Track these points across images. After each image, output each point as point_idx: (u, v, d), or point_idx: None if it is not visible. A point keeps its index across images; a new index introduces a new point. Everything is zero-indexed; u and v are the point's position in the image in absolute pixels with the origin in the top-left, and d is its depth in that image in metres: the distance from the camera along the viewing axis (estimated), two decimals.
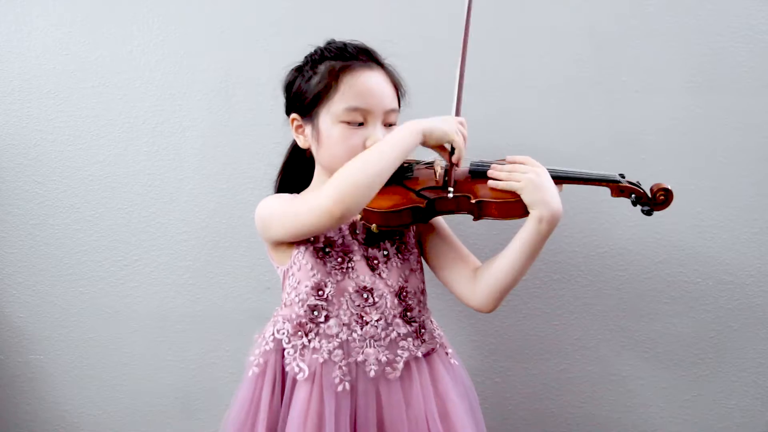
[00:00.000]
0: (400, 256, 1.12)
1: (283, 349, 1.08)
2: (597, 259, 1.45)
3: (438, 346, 1.14)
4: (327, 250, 1.08)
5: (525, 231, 1.03)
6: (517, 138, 1.42)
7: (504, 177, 1.04)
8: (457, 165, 1.04)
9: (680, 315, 1.46)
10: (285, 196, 1.13)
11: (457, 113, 1.08)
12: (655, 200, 1.07)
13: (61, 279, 1.52)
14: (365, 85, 1.06)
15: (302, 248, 1.08)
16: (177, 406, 1.54)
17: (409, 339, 1.09)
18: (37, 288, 1.53)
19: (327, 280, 1.07)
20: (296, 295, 1.09)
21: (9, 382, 1.56)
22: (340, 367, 1.05)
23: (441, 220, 1.19)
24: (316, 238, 1.08)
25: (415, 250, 1.16)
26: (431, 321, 1.16)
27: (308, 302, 1.07)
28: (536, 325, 1.49)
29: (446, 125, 1.03)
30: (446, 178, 1.05)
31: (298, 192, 1.17)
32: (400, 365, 1.07)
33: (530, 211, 1.02)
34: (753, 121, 1.40)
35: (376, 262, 1.10)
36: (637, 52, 1.41)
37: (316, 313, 1.07)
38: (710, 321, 1.46)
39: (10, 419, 1.56)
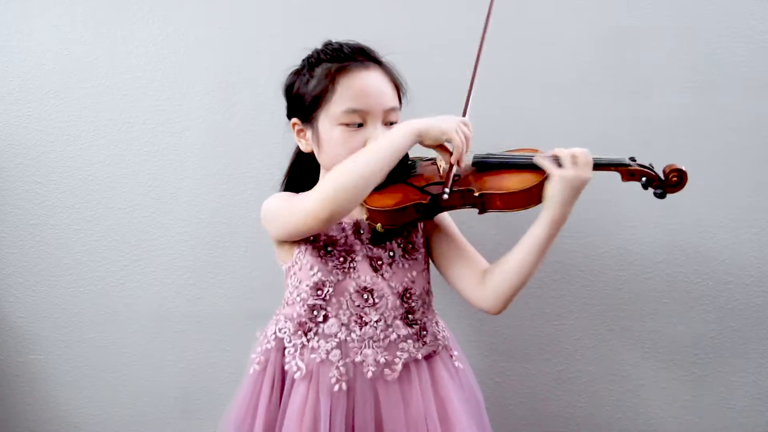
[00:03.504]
0: (406, 257, 1.11)
1: (284, 348, 1.09)
2: (597, 259, 1.45)
3: (441, 348, 1.14)
4: (329, 249, 1.08)
5: (534, 232, 1.03)
6: (517, 137, 1.41)
7: (559, 153, 1.00)
8: (457, 165, 1.02)
9: (680, 315, 1.46)
10: (285, 195, 1.12)
11: (464, 114, 1.06)
12: (668, 181, 1.02)
13: (61, 279, 1.52)
14: (362, 86, 1.05)
15: (303, 247, 1.08)
16: (177, 407, 1.54)
17: (410, 341, 1.08)
18: (37, 288, 1.53)
19: (327, 279, 1.06)
20: (297, 295, 1.09)
21: (9, 382, 1.56)
22: (338, 368, 1.05)
23: (448, 221, 1.18)
24: (317, 237, 1.08)
25: (423, 250, 1.15)
26: (436, 323, 1.15)
27: (308, 302, 1.07)
28: (536, 325, 1.48)
29: (444, 124, 1.00)
30: (444, 180, 1.03)
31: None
32: (399, 367, 1.06)
33: (546, 206, 1.00)
34: (753, 121, 1.40)
35: (380, 262, 1.09)
36: (637, 52, 1.41)
37: (315, 312, 1.07)
38: (710, 321, 1.46)
39: (10, 419, 1.56)
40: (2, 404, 1.56)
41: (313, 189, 1.16)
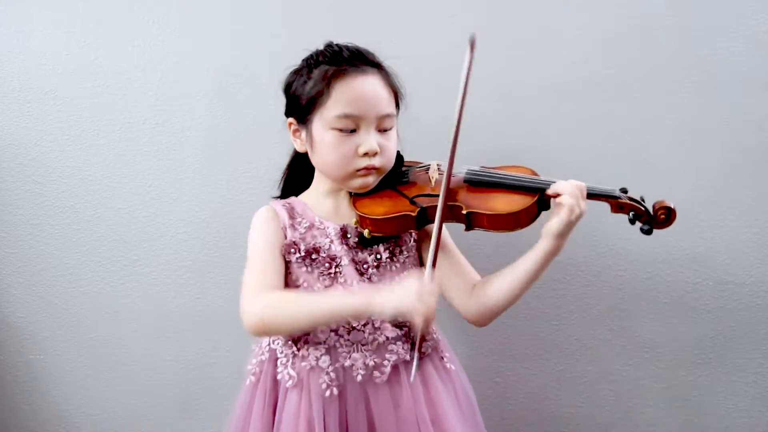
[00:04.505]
0: (394, 259, 1.11)
1: (277, 359, 1.10)
2: (597, 259, 1.45)
3: (430, 350, 1.13)
4: (313, 256, 1.08)
5: (527, 260, 1.05)
6: (517, 139, 1.42)
7: (569, 195, 1.01)
8: (423, 340, 0.98)
9: (680, 315, 1.46)
10: (259, 243, 1.10)
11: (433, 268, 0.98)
12: (656, 218, 1.04)
13: (61, 279, 1.52)
14: (357, 92, 1.04)
15: (288, 261, 1.08)
16: (177, 406, 1.54)
17: (398, 343, 1.08)
18: (37, 288, 1.53)
19: (314, 288, 1.07)
20: None
21: (9, 382, 1.56)
22: (328, 373, 1.05)
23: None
24: (297, 250, 1.07)
25: (413, 254, 1.15)
26: None
27: None
28: (536, 325, 1.48)
29: (403, 302, 0.92)
30: (411, 352, 0.97)
31: (298, 194, 1.17)
32: (387, 369, 1.06)
33: (542, 237, 1.03)
34: (753, 121, 1.40)
35: (365, 266, 1.09)
36: (637, 53, 1.41)
37: None
38: (710, 321, 1.46)
39: (10, 419, 1.56)
40: (2, 404, 1.56)
41: (311, 190, 1.16)
